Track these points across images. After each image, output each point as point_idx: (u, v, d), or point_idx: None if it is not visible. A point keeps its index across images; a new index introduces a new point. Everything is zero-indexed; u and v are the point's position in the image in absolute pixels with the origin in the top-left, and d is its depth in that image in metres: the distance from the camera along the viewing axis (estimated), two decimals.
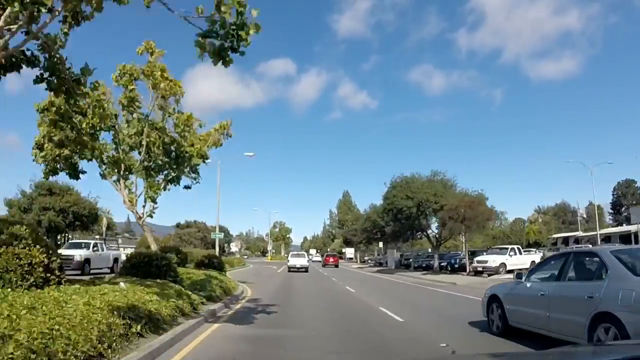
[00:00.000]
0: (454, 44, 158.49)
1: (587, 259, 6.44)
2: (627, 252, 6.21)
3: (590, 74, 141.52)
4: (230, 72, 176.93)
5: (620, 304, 5.18)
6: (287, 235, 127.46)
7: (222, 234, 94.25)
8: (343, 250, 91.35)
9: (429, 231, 38.60)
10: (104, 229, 48.23)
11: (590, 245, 33.55)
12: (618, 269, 5.55)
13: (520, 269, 14.45)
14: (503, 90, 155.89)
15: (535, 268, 7.87)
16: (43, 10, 5.57)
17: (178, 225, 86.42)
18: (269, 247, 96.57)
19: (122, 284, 8.84)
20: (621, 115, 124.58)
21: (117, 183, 12.10)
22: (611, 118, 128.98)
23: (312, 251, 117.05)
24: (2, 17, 5.38)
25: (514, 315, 7.57)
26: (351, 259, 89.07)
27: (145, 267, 11.38)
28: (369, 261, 68.15)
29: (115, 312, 6.15)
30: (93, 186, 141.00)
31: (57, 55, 6.52)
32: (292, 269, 38.42)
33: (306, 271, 37.61)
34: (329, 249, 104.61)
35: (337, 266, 54.38)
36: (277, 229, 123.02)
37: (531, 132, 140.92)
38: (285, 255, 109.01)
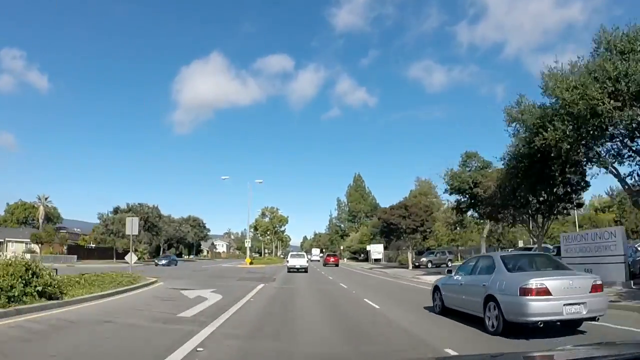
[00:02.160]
0: (455, 38, 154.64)
1: (487, 260, 9.45)
2: (509, 255, 9.33)
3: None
4: (226, 68, 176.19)
5: (497, 289, 8.20)
6: (282, 228, 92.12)
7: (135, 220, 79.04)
8: (368, 248, 69.44)
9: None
10: None
11: None
12: (500, 267, 8.57)
13: (451, 267, 17.78)
14: (505, 87, 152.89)
15: (460, 266, 10.90)
16: None
17: (117, 211, 64.42)
18: (248, 243, 63.52)
19: None
20: None
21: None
22: None
23: (315, 250, 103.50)
24: None
25: (447, 299, 10.60)
26: (378, 260, 65.04)
27: None
28: (429, 264, 42.59)
29: None
30: None
31: None
32: (291, 270, 37.15)
33: (305, 271, 36.61)
34: (341, 247, 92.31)
35: (337, 265, 54.85)
36: (266, 218, 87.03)
37: None
38: (282, 256, 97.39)
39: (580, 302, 7.66)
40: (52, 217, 79.99)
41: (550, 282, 7.64)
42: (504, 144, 26.77)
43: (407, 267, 42.81)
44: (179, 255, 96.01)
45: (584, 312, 7.71)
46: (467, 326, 9.10)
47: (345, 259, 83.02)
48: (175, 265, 53.34)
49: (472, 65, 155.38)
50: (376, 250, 65.71)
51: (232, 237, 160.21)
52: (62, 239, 66.33)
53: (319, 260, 79.72)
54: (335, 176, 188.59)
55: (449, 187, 30.43)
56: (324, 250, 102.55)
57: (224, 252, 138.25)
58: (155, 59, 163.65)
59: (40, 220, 73.46)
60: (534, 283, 7.61)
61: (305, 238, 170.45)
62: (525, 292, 7.55)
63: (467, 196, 29.76)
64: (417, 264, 43.75)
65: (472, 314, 9.18)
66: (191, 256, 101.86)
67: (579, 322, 8.38)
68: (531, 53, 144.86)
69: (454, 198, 32.84)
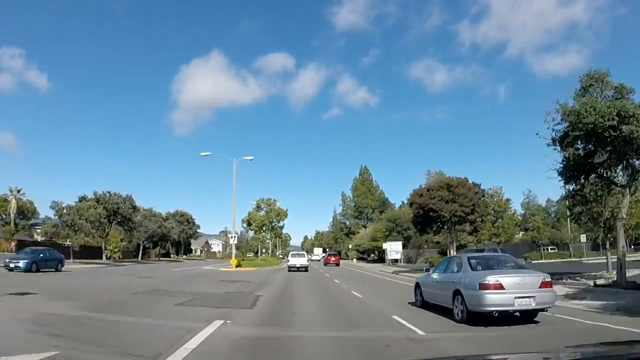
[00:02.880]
0: (457, 37, 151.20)
1: (457, 260, 11.03)
2: (474, 256, 10.95)
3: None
4: (226, 67, 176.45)
5: (463, 285, 9.80)
6: (281, 223, 74.40)
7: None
8: (385, 246, 57.38)
9: None
10: None
11: None
12: (467, 266, 10.17)
13: (429, 266, 19.38)
14: (507, 86, 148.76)
15: (437, 265, 12.50)
16: None
17: (82, 200, 53.50)
18: (233, 239, 46.24)
19: None
20: None
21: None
22: None
23: (317, 250, 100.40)
24: None
25: (426, 294, 12.20)
26: (396, 260, 55.08)
27: None
28: None
29: None
30: None
31: None
32: (292, 269, 37.54)
33: (306, 270, 37.05)
34: (349, 246, 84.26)
35: (337, 265, 54.96)
36: (261, 211, 71.42)
37: (533, 130, 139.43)
38: (281, 256, 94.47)
39: (530, 296, 9.25)
40: (26, 211, 72.15)
41: (505, 279, 9.24)
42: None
43: None
44: (165, 255, 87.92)
45: (533, 304, 9.31)
46: (440, 316, 10.71)
47: (354, 260, 75.57)
48: (58, 269, 29.83)
49: (474, 65, 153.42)
50: (394, 248, 54.02)
51: (229, 235, 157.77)
52: (6, 233, 57.87)
53: (319, 260, 77.93)
54: (336, 175, 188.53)
55: (567, 130, 16.38)
56: (327, 249, 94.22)
57: (219, 251, 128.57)
58: (155, 57, 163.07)
59: (12, 215, 66.19)
60: (490, 279, 9.21)
61: (306, 238, 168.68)
62: (483, 286, 9.14)
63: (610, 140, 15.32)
64: None
65: (445, 306, 10.78)
66: (180, 256, 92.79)
67: (533, 313, 9.96)
68: (534, 53, 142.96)
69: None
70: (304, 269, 37.55)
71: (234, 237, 44.77)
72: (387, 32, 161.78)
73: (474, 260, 10.39)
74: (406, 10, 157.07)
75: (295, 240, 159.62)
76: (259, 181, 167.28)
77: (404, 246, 57.86)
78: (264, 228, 72.72)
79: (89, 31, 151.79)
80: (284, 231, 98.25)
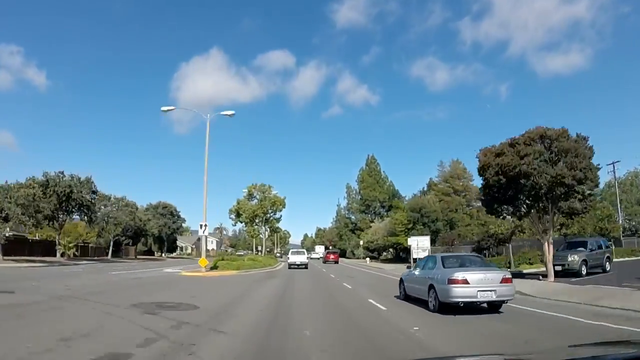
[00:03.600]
0: (458, 35, 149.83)
1: (433, 259, 12.71)
2: (447, 255, 12.68)
3: (599, 69, 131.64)
4: (226, 65, 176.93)
5: (436, 280, 11.48)
6: (277, 214, 61.49)
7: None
8: (410, 242, 42.50)
9: None
10: None
11: None
12: (440, 264, 11.86)
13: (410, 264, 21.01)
14: (509, 86, 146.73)
15: (418, 263, 14.19)
16: None
17: (29, 184, 42.80)
18: (203, 232, 30.50)
19: None
20: (634, 112, 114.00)
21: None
22: (620, 116, 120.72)
23: (319, 248, 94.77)
24: None
25: (408, 288, 13.91)
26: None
27: None
28: (583, 268, 22.26)
29: None
30: None
31: None
32: (292, 266, 38.41)
33: (305, 267, 37.86)
34: (361, 242, 70.61)
35: (336, 262, 55.54)
36: (254, 199, 59.00)
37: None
38: (278, 254, 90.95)
39: (491, 290, 10.93)
40: None
41: (470, 275, 10.92)
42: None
43: (543, 276, 21.31)
44: (147, 252, 77.34)
45: (494, 297, 10.99)
46: (417, 307, 12.42)
47: (367, 260, 62.18)
48: None
49: (475, 63, 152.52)
50: (421, 245, 39.76)
51: (224, 232, 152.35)
52: None
53: (319, 258, 75.12)
54: (336, 174, 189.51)
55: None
56: (329, 247, 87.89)
57: (213, 249, 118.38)
58: (155, 55, 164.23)
59: None
60: (458, 275, 10.89)
61: (306, 236, 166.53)
62: (451, 281, 10.83)
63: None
64: (557, 267, 21.63)
65: (422, 299, 12.47)
66: (164, 254, 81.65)
67: (498, 304, 11.64)
68: (536, 51, 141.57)
69: None
70: (303, 266, 38.71)
71: (204, 227, 30.43)
72: (388, 30, 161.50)
73: (446, 260, 12.09)
74: (407, 7, 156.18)
75: (295, 239, 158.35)
76: (258, 178, 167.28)
77: (431, 242, 43.63)
78: (256, 220, 59.89)
79: (87, 29, 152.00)
80: (282, 227, 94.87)
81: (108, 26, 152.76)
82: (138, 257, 70.56)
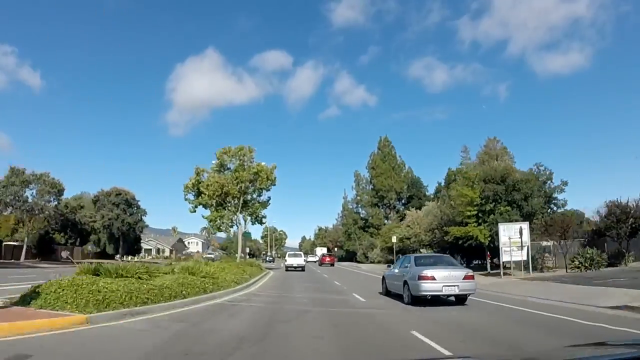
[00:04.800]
0: (457, 34, 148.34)
1: (408, 258, 14.75)
2: (419, 255, 14.75)
3: (599, 68, 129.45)
4: (222, 65, 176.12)
5: (408, 277, 13.53)
6: (264, 193, 38.96)
7: None
8: (503, 230, 24.67)
9: None
10: None
11: None
12: (412, 263, 13.92)
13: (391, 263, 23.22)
14: (508, 86, 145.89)
15: (396, 262, 16.22)
16: None
17: None
18: None
19: None
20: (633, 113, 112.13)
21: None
22: (620, 117, 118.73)
23: (320, 250, 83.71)
24: None
25: (388, 284, 15.96)
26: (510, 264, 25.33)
27: None
28: None
29: None
30: None
31: None
32: (289, 268, 38.22)
33: (303, 270, 37.66)
34: (393, 239, 46.43)
35: (332, 265, 54.82)
36: (227, 170, 37.68)
37: (537, 129, 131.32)
38: (269, 258, 79.15)
39: (454, 285, 12.97)
40: None
41: (436, 272, 12.96)
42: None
43: None
44: (100, 254, 57.75)
45: (457, 291, 13.04)
46: (394, 300, 14.48)
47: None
48: None
49: (474, 63, 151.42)
50: (514, 236, 24.39)
51: (212, 233, 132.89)
52: None
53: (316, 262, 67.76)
54: (335, 175, 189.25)
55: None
56: (332, 249, 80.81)
57: (197, 252, 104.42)
58: (149, 55, 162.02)
59: None
60: (427, 273, 12.93)
61: (304, 238, 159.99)
62: (420, 278, 12.87)
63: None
64: None
65: (399, 293, 14.50)
66: (121, 257, 60.34)
67: (463, 297, 13.65)
68: (536, 51, 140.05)
69: None
70: (300, 268, 39.02)
71: None
72: (386, 29, 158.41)
73: (418, 259, 14.18)
74: (406, 6, 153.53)
75: (294, 242, 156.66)
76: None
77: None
78: (228, 200, 36.86)
79: (81, 29, 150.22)
80: (277, 226, 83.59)
81: (101, 26, 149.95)
82: (76, 262, 35.87)
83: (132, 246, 68.79)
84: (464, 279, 13.21)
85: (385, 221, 66.56)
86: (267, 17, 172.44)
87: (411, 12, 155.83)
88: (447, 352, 6.80)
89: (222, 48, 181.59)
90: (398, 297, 14.70)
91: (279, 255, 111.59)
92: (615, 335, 8.09)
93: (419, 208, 53.35)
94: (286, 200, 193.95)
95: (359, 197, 76.73)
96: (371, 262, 59.61)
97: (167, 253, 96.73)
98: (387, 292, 16.09)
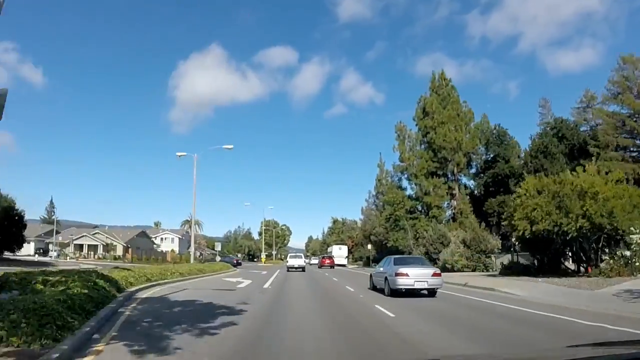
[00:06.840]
0: (466, 30, 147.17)
1: (389, 258, 17.97)
2: (399, 257, 18.04)
3: (611, 65, 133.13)
4: (226, 61, 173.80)
5: (388, 274, 16.78)
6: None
7: None
8: None
9: None
10: None
11: None
12: (392, 262, 17.15)
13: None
14: (518, 83, 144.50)
15: (381, 262, 19.46)
16: None
17: None
18: None
19: None
20: None
21: None
22: None
23: (340, 250, 70.54)
24: None
25: (374, 281, 19.21)
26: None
27: None
28: None
29: None
30: None
31: None
32: (290, 269, 39.67)
33: (303, 270, 39.16)
34: (451, 236, 37.69)
35: (332, 267, 53.95)
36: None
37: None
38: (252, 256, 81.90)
39: (424, 280, 16.20)
40: None
41: (409, 270, 16.18)
42: None
43: None
44: None
45: (426, 285, 16.27)
46: (378, 294, 17.71)
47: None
48: None
49: (484, 59, 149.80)
50: None
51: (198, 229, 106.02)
52: None
53: (332, 266, 54.85)
54: (337, 174, 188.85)
55: None
56: (352, 248, 71.12)
57: (173, 250, 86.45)
58: (152, 51, 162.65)
59: None
60: (402, 270, 16.16)
61: (310, 238, 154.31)
62: (397, 274, 16.10)
63: None
64: None
65: (382, 288, 17.73)
66: None
67: (433, 291, 16.83)
68: (547, 47, 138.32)
69: None
70: (301, 269, 40.70)
71: None
72: (393, 24, 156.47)
73: (396, 259, 17.43)
74: (414, 1, 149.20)
75: (299, 242, 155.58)
76: (257, 180, 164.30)
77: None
78: None
79: (84, 25, 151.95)
80: (279, 221, 79.79)
81: (104, 22, 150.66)
82: None
83: (8, 240, 46.28)
84: (432, 275, 16.43)
85: (448, 200, 47.08)
86: (271, 12, 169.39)
87: (419, 6, 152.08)
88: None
89: (226, 44, 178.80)
90: (379, 290, 17.93)
91: (280, 255, 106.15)
92: None
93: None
94: (290, 198, 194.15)
95: (406, 164, 51.03)
96: (448, 269, 33.39)
97: (119, 252, 73.89)
98: (374, 287, 19.29)
